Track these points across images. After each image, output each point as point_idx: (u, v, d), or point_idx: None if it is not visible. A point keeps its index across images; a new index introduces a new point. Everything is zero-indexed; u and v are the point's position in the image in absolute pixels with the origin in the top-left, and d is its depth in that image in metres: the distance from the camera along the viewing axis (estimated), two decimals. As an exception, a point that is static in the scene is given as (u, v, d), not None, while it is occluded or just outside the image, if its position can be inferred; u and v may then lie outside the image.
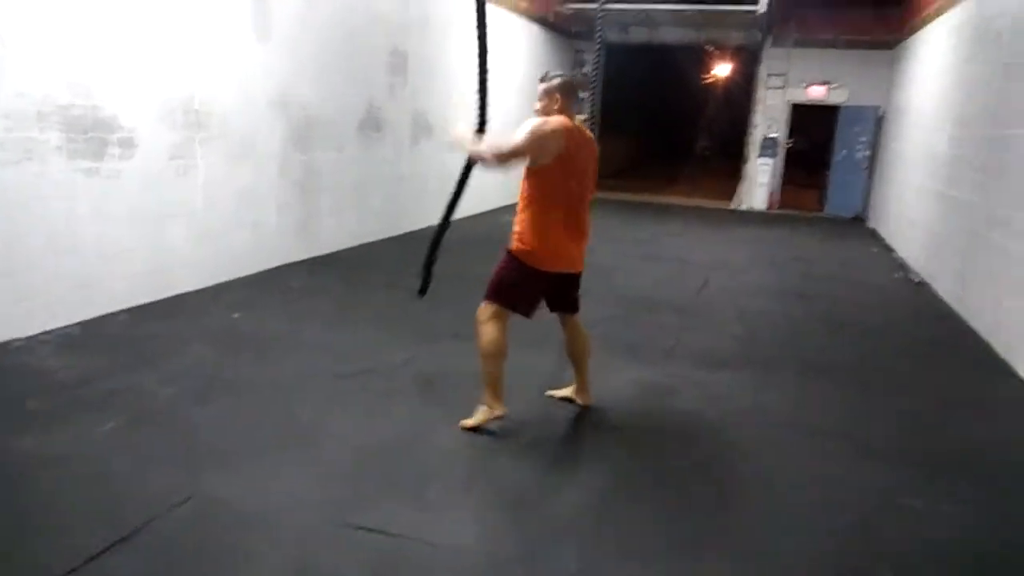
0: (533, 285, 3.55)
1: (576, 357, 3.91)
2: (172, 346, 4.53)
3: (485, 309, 3.55)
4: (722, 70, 22.89)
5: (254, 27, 6.12)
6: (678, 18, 12.78)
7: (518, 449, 3.45)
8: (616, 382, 4.37)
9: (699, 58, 21.34)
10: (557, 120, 3.40)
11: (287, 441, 3.38)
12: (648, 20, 12.98)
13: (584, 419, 3.85)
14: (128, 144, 5.10)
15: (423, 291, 3.89)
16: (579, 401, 3.97)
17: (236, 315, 5.25)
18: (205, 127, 5.74)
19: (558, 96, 3.49)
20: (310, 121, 6.96)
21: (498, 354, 3.52)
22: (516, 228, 3.53)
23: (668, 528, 2.86)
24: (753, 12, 11.46)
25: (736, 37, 14.08)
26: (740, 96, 24.46)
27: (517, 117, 12.05)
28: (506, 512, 2.94)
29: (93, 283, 4.97)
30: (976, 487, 3.31)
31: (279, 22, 6.37)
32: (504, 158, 3.40)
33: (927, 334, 5.85)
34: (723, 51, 19.65)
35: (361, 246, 7.91)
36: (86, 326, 4.80)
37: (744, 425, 3.87)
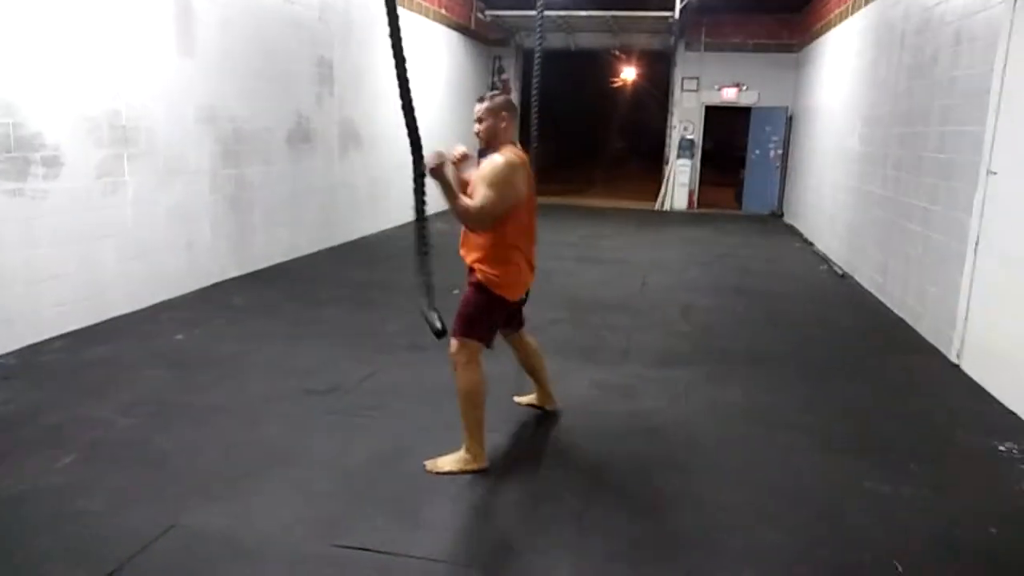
0: (499, 314, 3.42)
1: (533, 367, 3.88)
2: (118, 372, 4.33)
3: (461, 349, 3.29)
4: (630, 73, 23.52)
5: (177, 41, 5.92)
6: (595, 24, 13.04)
7: (496, 460, 3.44)
8: (576, 385, 4.42)
9: (609, 62, 21.81)
10: (514, 156, 3.25)
11: (264, 464, 3.28)
12: (566, 26, 13.19)
13: (552, 424, 3.89)
14: (53, 163, 4.85)
15: (441, 332, 3.21)
16: (547, 407, 3.99)
17: (179, 336, 5.06)
18: (133, 143, 5.51)
19: (505, 115, 3.32)
20: (239, 135, 6.78)
21: (482, 397, 3.32)
22: (476, 257, 3.32)
23: (648, 527, 2.92)
24: (667, 18, 11.80)
25: (650, 42, 14.49)
26: (649, 98, 25.21)
27: (438, 125, 12.12)
28: (493, 524, 2.94)
29: (23, 311, 4.71)
30: (931, 468, 3.50)
31: (202, 35, 6.18)
32: (489, 217, 3.16)
33: (859, 324, 6.16)
34: (630, 55, 20.15)
35: (296, 259, 7.74)
36: (20, 356, 4.54)
37: (706, 420, 3.99)
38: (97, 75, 5.13)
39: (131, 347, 4.79)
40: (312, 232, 8.17)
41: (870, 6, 8.30)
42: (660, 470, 3.39)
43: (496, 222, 3.23)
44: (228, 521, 2.83)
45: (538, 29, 5.35)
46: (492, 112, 3.31)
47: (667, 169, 14.51)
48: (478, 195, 3.16)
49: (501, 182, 3.17)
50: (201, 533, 2.74)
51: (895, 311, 6.38)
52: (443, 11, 11.66)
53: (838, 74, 9.90)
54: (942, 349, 5.24)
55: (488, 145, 3.34)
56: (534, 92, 5.28)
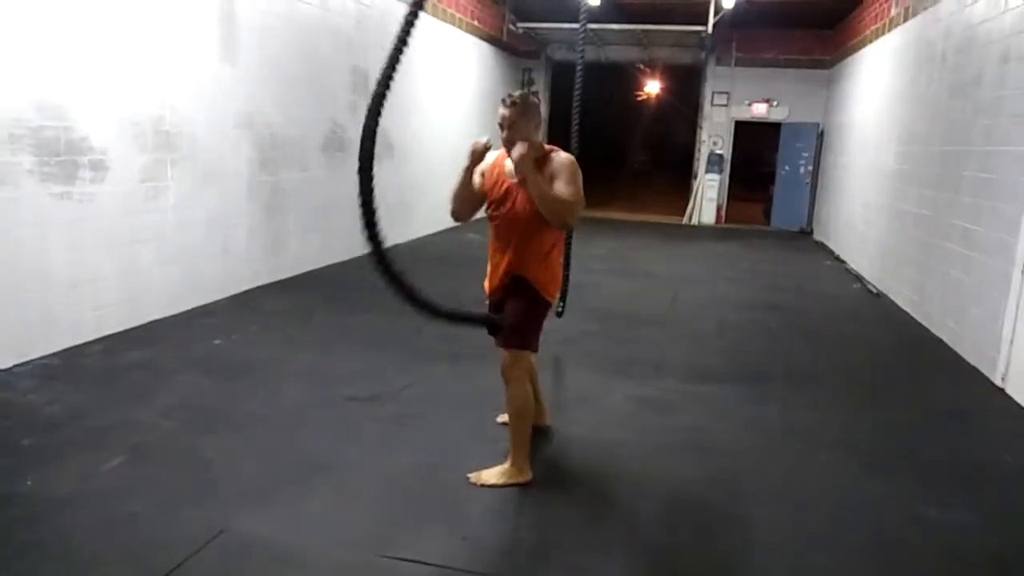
0: (544, 319, 3.37)
1: (532, 379, 3.64)
2: (158, 376, 4.36)
3: (518, 362, 3.20)
4: (654, 87, 23.49)
5: (220, 47, 5.98)
6: (626, 37, 13.05)
7: (537, 474, 3.42)
8: (613, 400, 4.40)
9: (633, 75, 21.79)
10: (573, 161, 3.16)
11: (308, 472, 3.28)
12: (597, 39, 13.20)
13: (592, 439, 3.86)
14: (100, 167, 4.91)
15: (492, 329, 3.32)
16: (539, 424, 3.70)
17: (217, 341, 5.09)
18: (176, 148, 5.57)
19: (536, 117, 3.18)
20: (276, 141, 6.83)
21: (532, 411, 3.32)
22: (529, 263, 3.20)
23: (694, 547, 2.88)
24: (700, 32, 11.78)
25: (681, 56, 14.45)
26: (674, 112, 25.18)
27: (466, 134, 12.23)
28: (539, 538, 2.91)
29: (65, 312, 4.75)
30: (980, 494, 3.43)
31: (244, 42, 6.24)
32: (580, 212, 3.06)
33: (897, 343, 6.08)
34: (655, 68, 20.12)
35: (328, 267, 7.78)
36: (62, 357, 4.58)
37: (747, 438, 3.94)
38: (143, 80, 5.20)
39: (169, 351, 4.83)
40: (344, 239, 8.18)
41: (909, 23, 8.24)
42: (704, 488, 3.36)
43: (551, 230, 3.19)
44: (276, 528, 2.83)
45: (580, 42, 5.40)
46: (524, 115, 3.13)
47: (695, 183, 14.45)
48: (567, 190, 3.01)
49: (580, 179, 3.09)
50: (250, 539, 2.74)
51: (933, 331, 6.29)
52: (475, 22, 11.72)
53: (873, 91, 9.82)
54: (985, 371, 5.15)
55: None
56: (575, 105, 5.31)
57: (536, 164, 3.06)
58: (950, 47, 6.70)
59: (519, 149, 2.95)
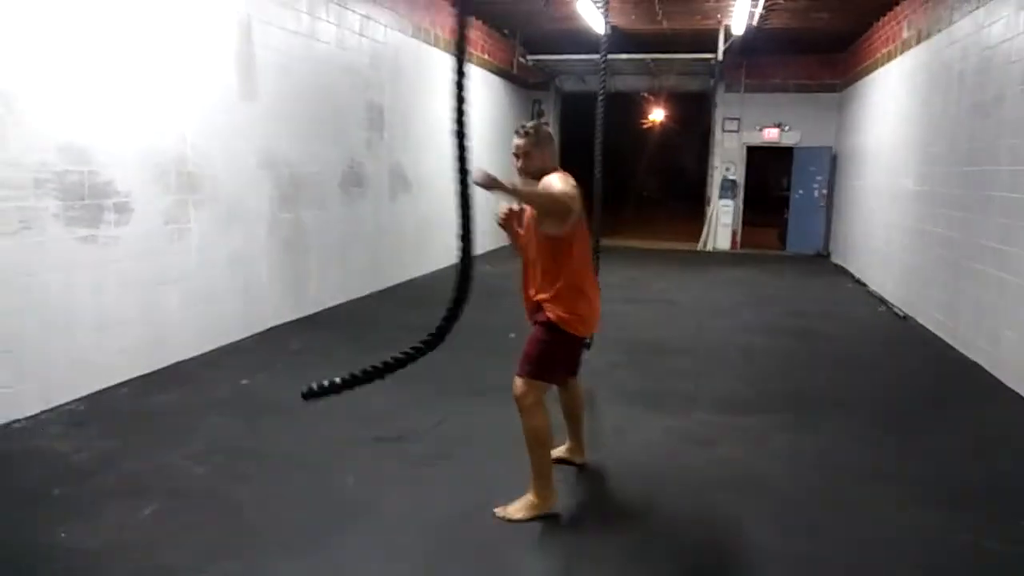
0: (572, 353, 3.40)
1: (576, 415, 3.71)
2: (187, 420, 4.30)
3: (529, 391, 3.16)
4: (659, 115, 23.59)
5: (239, 86, 6.01)
6: (635, 66, 13.10)
7: (577, 511, 3.33)
8: (649, 433, 4.31)
9: (640, 104, 21.88)
10: (567, 177, 3.18)
11: (342, 517, 3.20)
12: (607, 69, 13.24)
13: (630, 474, 3.77)
14: (124, 209, 4.91)
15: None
16: (576, 460, 3.74)
17: (245, 381, 5.04)
18: (198, 189, 5.57)
19: (550, 146, 3.24)
20: (295, 179, 6.84)
21: (549, 438, 3.25)
22: (548, 294, 3.19)
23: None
24: (710, 59, 11.82)
25: (690, 83, 14.51)
26: (681, 139, 25.25)
27: (479, 165, 12.21)
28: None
29: (91, 356, 4.72)
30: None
31: (262, 80, 6.27)
32: (568, 207, 3.05)
33: (930, 367, 5.98)
34: (659, 96, 20.17)
35: (347, 303, 7.73)
36: (88, 402, 4.53)
37: (790, 471, 3.84)
38: (165, 121, 5.21)
39: (197, 393, 4.78)
40: (362, 275, 8.18)
41: (921, 45, 8.23)
42: (750, 524, 3.25)
43: (564, 246, 3.15)
44: (316, 576, 2.75)
45: (601, 75, 5.41)
46: (537, 145, 3.20)
47: (709, 209, 14.42)
48: (553, 189, 3.09)
49: (571, 186, 3.13)
50: (291, 590, 2.66)
51: (966, 354, 6.17)
52: (486, 56, 11.80)
53: (887, 113, 9.80)
54: (1024, 395, 5.04)
55: (536, 179, 3.19)
56: (598, 135, 5.29)
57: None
58: (968, 68, 6.68)
59: (479, 175, 2.67)
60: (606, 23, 5.29)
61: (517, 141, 3.18)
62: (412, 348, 2.46)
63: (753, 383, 5.38)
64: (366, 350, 5.96)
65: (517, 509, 3.20)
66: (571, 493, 3.48)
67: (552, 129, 14.60)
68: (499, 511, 3.20)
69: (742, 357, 6.11)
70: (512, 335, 5.61)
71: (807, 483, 3.70)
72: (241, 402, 4.64)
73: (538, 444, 3.19)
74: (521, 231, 3.35)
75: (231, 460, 3.75)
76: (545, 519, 3.20)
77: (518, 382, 3.19)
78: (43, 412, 4.32)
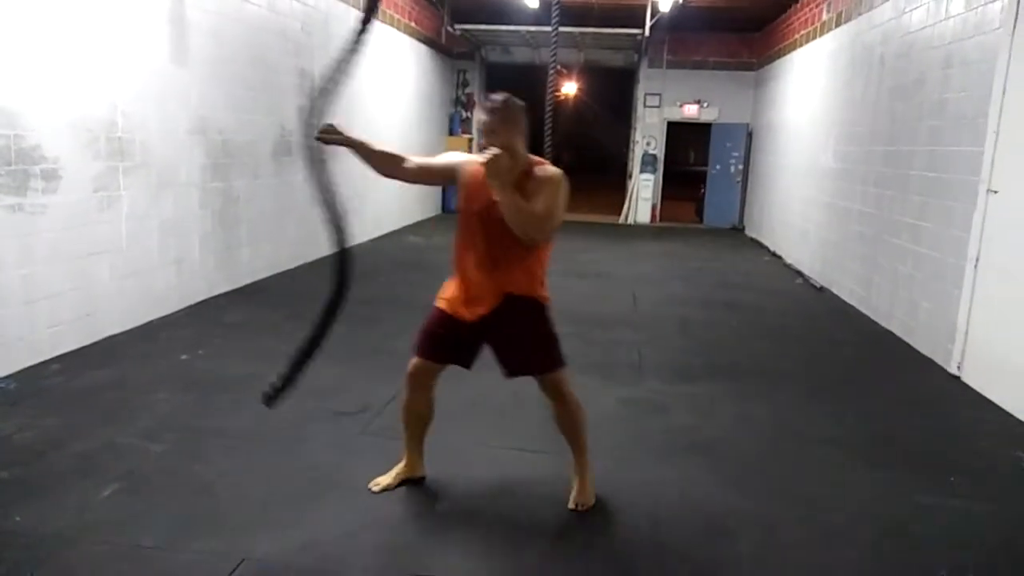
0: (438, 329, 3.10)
1: (430, 422, 3.28)
2: (129, 396, 4.13)
3: (566, 377, 3.06)
4: (571, 88, 23.82)
5: (171, 50, 5.72)
6: (563, 39, 13.11)
7: (552, 478, 3.41)
8: (605, 403, 4.41)
9: (564, 76, 22.02)
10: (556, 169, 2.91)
11: (317, 490, 3.17)
12: (533, 41, 13.26)
13: (596, 440, 3.85)
14: (52, 176, 4.62)
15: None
16: (419, 475, 3.29)
17: (184, 356, 4.86)
18: (128, 155, 5.30)
19: (522, 123, 2.87)
20: (227, 147, 6.58)
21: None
22: (526, 281, 2.95)
23: (718, 550, 2.92)
24: (636, 35, 11.98)
25: (613, 58, 14.68)
26: (592, 112, 25.60)
27: (405, 135, 12.15)
28: (558, 547, 2.90)
29: (19, 331, 4.46)
30: (969, 480, 3.59)
31: (194, 44, 5.98)
32: (554, 229, 2.85)
33: (851, 337, 6.33)
34: (579, 70, 20.34)
35: (279, 275, 7.55)
36: (19, 379, 4.29)
37: (741, 437, 4.02)
38: (95, 84, 4.92)
39: (136, 369, 4.59)
40: (293, 246, 7.98)
41: (842, 28, 8.59)
42: (713, 488, 3.39)
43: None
44: (297, 551, 2.72)
45: (553, 45, 5.39)
46: (505, 122, 2.80)
47: (631, 183, 14.69)
48: (541, 205, 2.75)
49: (565, 199, 2.85)
50: (274, 566, 2.63)
51: (882, 324, 6.57)
52: (413, 24, 11.59)
53: (805, 92, 10.20)
54: (939, 361, 5.41)
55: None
56: (548, 107, 5.30)
57: (518, 179, 2.78)
58: (888, 51, 7.02)
59: (490, 154, 2.67)
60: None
61: (482, 116, 2.82)
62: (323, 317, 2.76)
63: (694, 353, 5.57)
64: (304, 322, 5.84)
65: (589, 492, 3.14)
66: (538, 463, 3.55)
67: (477, 99, 14.60)
68: (576, 505, 3.10)
69: (679, 328, 6.32)
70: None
71: (756, 447, 3.89)
72: (184, 378, 4.48)
73: (585, 425, 3.16)
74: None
75: (186, 437, 3.63)
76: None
77: (555, 376, 3.02)
78: (-30, 391, 4.07)
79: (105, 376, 4.43)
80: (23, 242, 4.44)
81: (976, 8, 5.27)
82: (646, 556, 2.83)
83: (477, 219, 2.90)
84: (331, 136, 2.87)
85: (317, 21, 8.18)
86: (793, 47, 10.97)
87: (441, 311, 3.03)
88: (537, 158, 2.95)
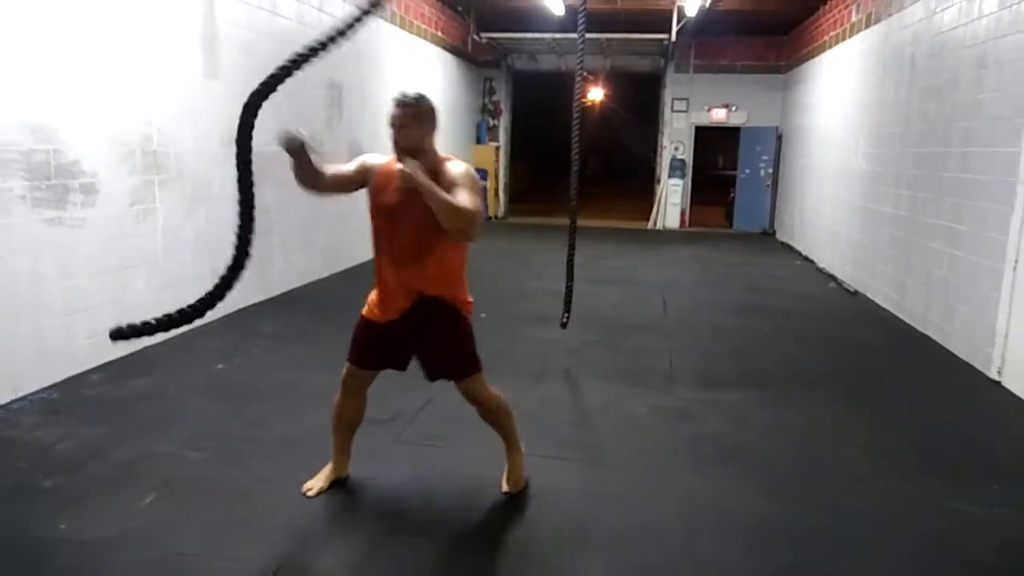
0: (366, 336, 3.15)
1: (358, 424, 3.35)
2: (167, 406, 4.21)
3: (483, 382, 3.11)
4: (598, 94, 23.76)
5: (203, 64, 5.83)
6: (589, 46, 13.11)
7: (580, 483, 3.41)
8: (634, 410, 4.40)
9: (591, 82, 21.99)
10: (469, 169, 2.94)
11: (352, 499, 3.21)
12: (558, 47, 13.28)
13: (624, 449, 3.85)
14: (90, 190, 4.73)
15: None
16: (344, 475, 3.35)
17: (220, 366, 4.94)
18: (164, 168, 5.40)
19: (432, 122, 2.92)
20: (259, 159, 6.59)
21: (508, 408, 3.29)
22: (445, 283, 2.97)
23: (756, 558, 2.90)
24: (662, 40, 11.95)
25: (640, 63, 14.65)
26: (621, 118, 25.53)
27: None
28: (592, 553, 2.89)
29: (60, 343, 4.56)
30: (1013, 488, 3.53)
31: (226, 58, 6.09)
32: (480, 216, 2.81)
33: (887, 342, 6.24)
34: (606, 76, 20.30)
35: (310, 284, 7.64)
36: (61, 390, 4.39)
37: (775, 445, 3.98)
38: (131, 100, 5.03)
39: (173, 378, 4.67)
40: (324, 256, 8.07)
41: (872, 29, 8.49)
42: (746, 497, 3.37)
43: (451, 240, 2.89)
44: (335, 560, 2.75)
45: (579, 52, 5.39)
46: (417, 118, 2.87)
47: (659, 188, 14.64)
48: (468, 199, 2.73)
49: (479, 187, 2.87)
50: (312, 573, 2.66)
51: (918, 328, 6.47)
52: (439, 33, 11.68)
53: (835, 94, 10.09)
54: (978, 366, 5.31)
55: (410, 155, 2.82)
56: (575, 114, 5.31)
57: (431, 177, 2.75)
58: (919, 52, 6.93)
59: (410, 166, 2.71)
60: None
61: (395, 111, 2.84)
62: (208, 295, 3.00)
63: (724, 359, 5.53)
64: (338, 331, 5.90)
65: (514, 478, 3.30)
66: (565, 469, 3.55)
67: (505, 107, 14.67)
68: (510, 487, 3.27)
69: (710, 334, 6.28)
70: (483, 315, 5.63)
71: (789, 455, 3.85)
72: (220, 387, 4.55)
73: (509, 415, 3.27)
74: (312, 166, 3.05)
75: (224, 446, 3.69)
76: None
77: (472, 382, 3.07)
78: (14, 401, 4.16)
79: (143, 386, 4.52)
80: (62, 255, 4.54)
81: (1010, 6, 5.19)
82: (678, 564, 2.81)
83: (386, 217, 2.92)
84: (293, 141, 2.98)
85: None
86: (822, 49, 10.87)
87: (363, 317, 3.09)
88: (444, 155, 2.96)
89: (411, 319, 2.98)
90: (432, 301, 2.97)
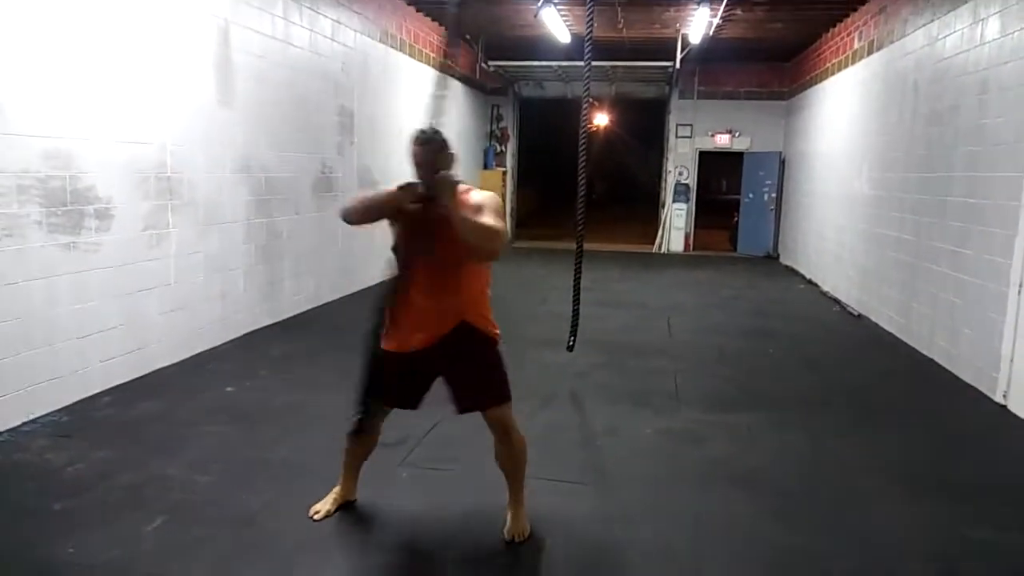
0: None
1: (369, 453, 3.38)
2: (177, 429, 4.24)
3: (509, 412, 3.05)
4: (603, 119, 23.94)
5: (217, 91, 5.93)
6: (594, 73, 13.29)
7: (589, 510, 3.42)
8: (639, 432, 4.42)
9: (595, 109, 22.21)
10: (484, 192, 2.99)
11: (361, 524, 3.22)
12: (564, 75, 13.44)
13: (631, 473, 3.87)
14: (105, 215, 4.81)
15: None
16: (352, 498, 3.38)
17: (230, 389, 4.98)
18: (177, 194, 5.48)
19: (447, 155, 2.93)
20: (270, 184, 6.77)
21: None
22: (476, 307, 3.02)
23: None
24: (667, 67, 12.09)
25: (646, 90, 14.80)
26: (625, 143, 25.71)
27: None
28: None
29: (73, 366, 4.61)
30: (1018, 513, 3.53)
31: (240, 86, 6.20)
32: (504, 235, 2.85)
33: (892, 365, 6.25)
34: (609, 102, 20.47)
35: (319, 308, 7.69)
36: (72, 413, 4.43)
37: (784, 468, 3.99)
38: (146, 127, 5.12)
39: (183, 401, 4.71)
40: (333, 279, 8.13)
41: (874, 56, 8.59)
42: (756, 521, 3.37)
43: (477, 266, 2.99)
44: (344, 582, 2.77)
45: (586, 79, 5.47)
46: (435, 153, 2.89)
47: (663, 213, 14.71)
48: (493, 219, 2.78)
49: (495, 205, 2.90)
50: (323, 597, 2.68)
51: (923, 352, 6.47)
52: (449, 62, 11.83)
53: (839, 120, 10.17)
54: (984, 390, 5.31)
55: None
56: (581, 139, 5.38)
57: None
58: (922, 78, 7.01)
59: (445, 177, 2.78)
60: (589, 27, 5.34)
61: (415, 148, 2.89)
62: None
63: (730, 381, 5.55)
64: (346, 355, 5.95)
65: (524, 526, 3.15)
66: (572, 492, 3.56)
67: (511, 132, 14.80)
68: (512, 537, 3.11)
69: (715, 357, 6.30)
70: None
71: (799, 479, 3.85)
72: (230, 410, 4.58)
73: (524, 459, 3.17)
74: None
75: (232, 469, 3.72)
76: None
77: (498, 411, 3.02)
78: (25, 424, 4.20)
79: (154, 408, 4.56)
80: (77, 279, 4.61)
81: (1012, 33, 5.26)
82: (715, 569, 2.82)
83: (424, 244, 2.91)
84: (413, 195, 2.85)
85: (356, 61, 8.41)
86: (825, 76, 10.98)
87: (385, 351, 3.03)
88: (465, 185, 2.95)
89: (446, 345, 2.96)
90: (469, 327, 2.97)
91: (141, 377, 5.09)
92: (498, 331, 3.08)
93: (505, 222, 2.95)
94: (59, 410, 4.43)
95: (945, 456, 4.24)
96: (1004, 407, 5.03)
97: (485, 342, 3.03)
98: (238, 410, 4.58)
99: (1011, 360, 5.00)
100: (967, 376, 5.62)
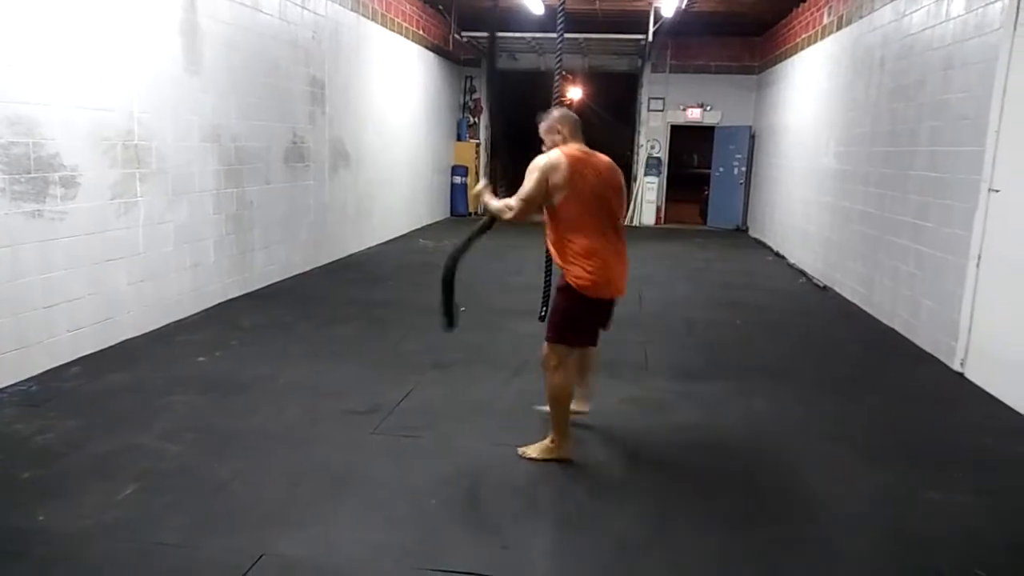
0: (593, 316, 3.61)
1: (586, 370, 4.01)
2: (147, 398, 4.23)
3: (552, 354, 3.54)
4: (577, 93, 23.87)
5: (186, 60, 5.84)
6: (568, 45, 13.22)
7: (560, 475, 3.50)
8: (609, 400, 4.49)
9: (567, 81, 22.09)
10: (555, 153, 3.43)
11: (330, 489, 3.26)
12: (538, 47, 13.37)
13: (596, 437, 3.95)
14: (71, 183, 4.74)
15: (451, 325, 3.82)
16: (577, 408, 3.92)
17: (201, 359, 4.97)
18: (145, 162, 5.41)
19: (559, 128, 3.58)
20: (240, 154, 6.70)
21: (569, 398, 3.60)
22: (557, 259, 3.54)
23: (734, 543, 3.01)
24: (639, 40, 12.07)
25: (618, 63, 14.77)
26: (597, 116, 25.67)
27: (413, 139, 12.32)
28: (579, 538, 2.98)
29: (40, 335, 4.57)
30: (973, 475, 3.67)
31: (208, 53, 6.10)
32: (523, 210, 3.46)
33: (854, 335, 6.39)
34: (582, 75, 20.42)
35: (291, 278, 7.67)
36: (40, 382, 4.40)
37: (747, 435, 4.10)
38: (112, 94, 5.04)
39: (153, 371, 4.69)
40: (305, 250, 8.10)
41: (843, 31, 8.67)
42: (721, 485, 3.47)
43: (562, 223, 3.45)
44: (315, 548, 2.81)
45: (558, 51, 5.43)
46: (548, 131, 3.63)
47: (635, 186, 14.77)
48: (495, 201, 3.65)
49: (529, 174, 3.45)
50: (292, 562, 2.72)
51: (884, 322, 6.64)
52: (421, 31, 11.72)
53: (807, 95, 10.27)
54: (942, 358, 5.47)
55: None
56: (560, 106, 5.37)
57: None
58: (889, 54, 7.10)
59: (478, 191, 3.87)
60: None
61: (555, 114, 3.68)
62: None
63: (698, 352, 5.66)
64: (319, 325, 5.97)
65: (535, 449, 3.61)
66: (545, 464, 3.63)
67: (484, 106, 14.70)
68: (521, 449, 3.63)
69: (684, 327, 6.40)
70: (463, 308, 5.70)
71: (764, 445, 3.96)
72: (200, 380, 4.58)
73: (556, 403, 3.55)
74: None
75: (203, 438, 3.73)
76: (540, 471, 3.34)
77: (544, 346, 3.58)
78: (-8, 393, 4.18)
79: (123, 379, 4.54)
80: (43, 248, 4.55)
81: (976, 9, 5.35)
82: (654, 550, 2.90)
83: (601, 202, 3.48)
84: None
85: (327, 29, 8.30)
86: (795, 50, 11.06)
87: (589, 299, 3.49)
88: (561, 148, 3.53)
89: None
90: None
91: (110, 347, 5.06)
92: (581, 280, 3.42)
93: (525, 188, 3.42)
94: (27, 380, 4.40)
95: (903, 422, 4.37)
96: (961, 375, 5.19)
97: (560, 286, 3.54)
98: (209, 380, 4.58)
99: (969, 330, 5.16)
100: (927, 346, 5.78)
